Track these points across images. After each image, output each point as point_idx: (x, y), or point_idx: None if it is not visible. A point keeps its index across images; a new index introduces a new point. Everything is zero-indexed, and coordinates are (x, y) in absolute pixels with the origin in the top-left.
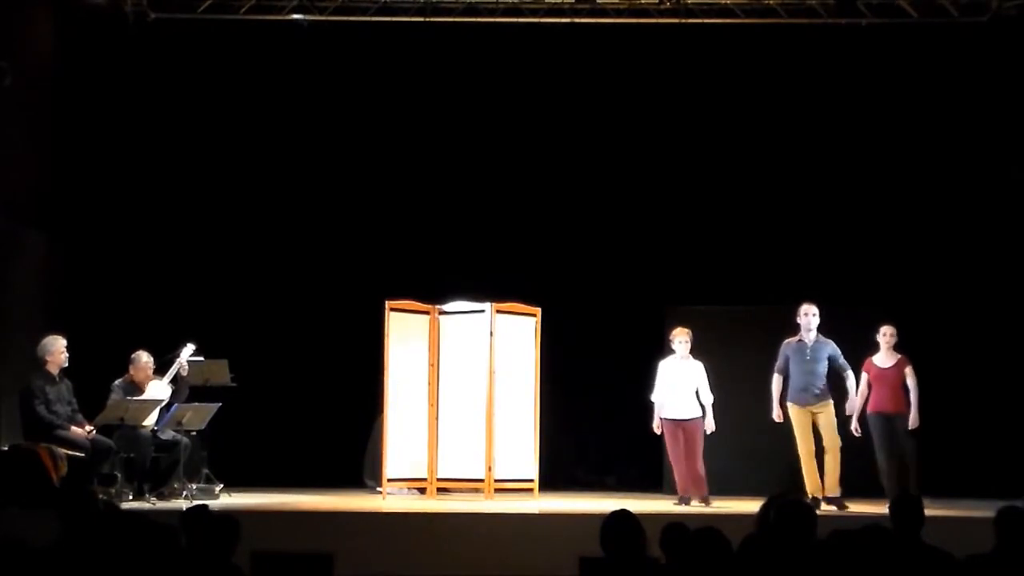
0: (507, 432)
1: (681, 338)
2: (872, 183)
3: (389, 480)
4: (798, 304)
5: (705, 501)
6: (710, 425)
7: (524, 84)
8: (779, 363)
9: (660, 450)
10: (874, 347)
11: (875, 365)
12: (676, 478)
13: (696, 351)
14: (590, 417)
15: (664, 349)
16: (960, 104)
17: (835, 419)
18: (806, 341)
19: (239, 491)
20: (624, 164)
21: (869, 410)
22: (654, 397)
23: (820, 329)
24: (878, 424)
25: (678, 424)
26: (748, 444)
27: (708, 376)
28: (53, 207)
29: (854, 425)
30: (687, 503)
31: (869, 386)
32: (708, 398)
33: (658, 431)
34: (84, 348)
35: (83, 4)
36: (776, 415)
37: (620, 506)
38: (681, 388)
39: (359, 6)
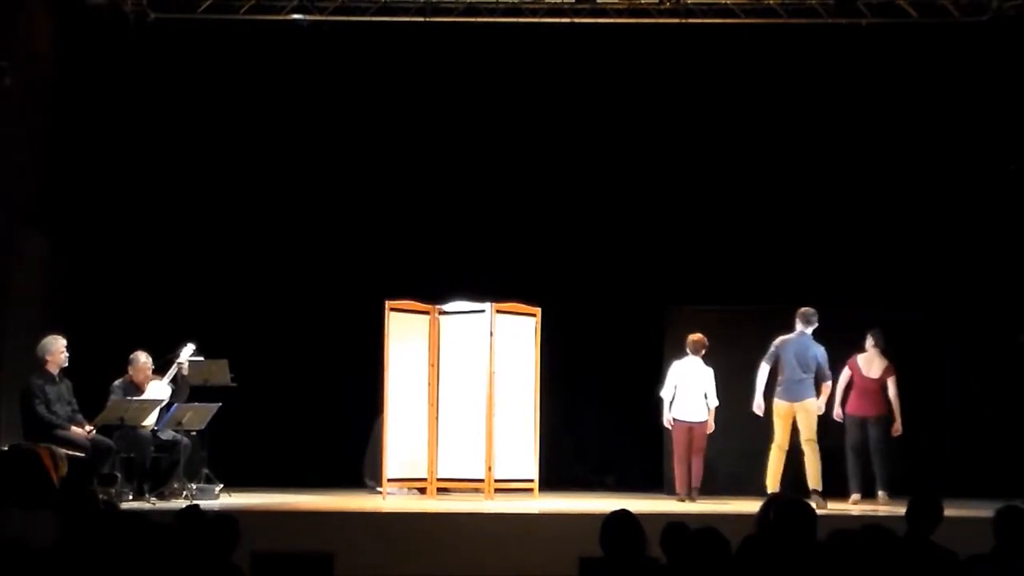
0: (507, 432)
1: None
2: (871, 183)
3: (389, 480)
4: (800, 306)
5: (694, 496)
6: (711, 426)
7: (524, 84)
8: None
9: (660, 450)
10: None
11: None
12: (677, 477)
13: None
14: (590, 417)
15: (665, 348)
16: (960, 104)
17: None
18: None
19: (239, 491)
20: (624, 164)
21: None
22: (664, 394)
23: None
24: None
25: (689, 426)
26: (747, 445)
27: (715, 381)
28: (53, 207)
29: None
30: (691, 499)
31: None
32: (714, 402)
33: (669, 426)
34: (84, 348)
35: (83, 4)
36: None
37: (620, 506)
38: (692, 390)
39: (359, 6)
